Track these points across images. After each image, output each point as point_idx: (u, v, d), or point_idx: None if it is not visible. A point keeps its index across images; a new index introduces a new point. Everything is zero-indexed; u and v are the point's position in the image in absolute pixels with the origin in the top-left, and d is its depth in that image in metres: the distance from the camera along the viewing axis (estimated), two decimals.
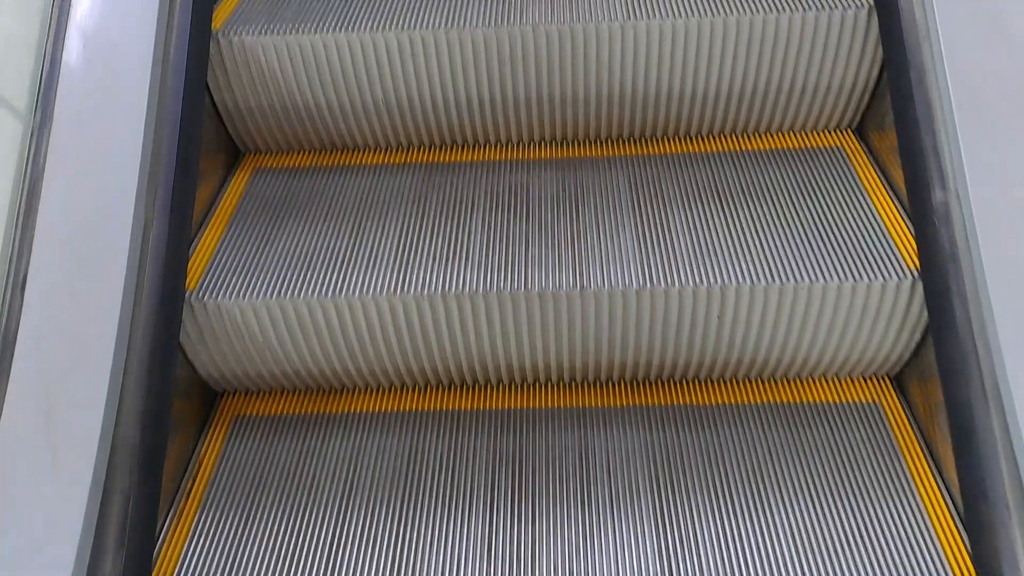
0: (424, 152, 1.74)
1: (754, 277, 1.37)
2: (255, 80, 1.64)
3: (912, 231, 1.40)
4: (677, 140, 1.72)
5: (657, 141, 1.72)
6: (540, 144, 1.73)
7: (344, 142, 1.74)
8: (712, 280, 1.37)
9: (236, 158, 1.76)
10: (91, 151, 1.38)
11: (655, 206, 1.53)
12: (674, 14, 1.57)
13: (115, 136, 1.37)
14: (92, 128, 1.39)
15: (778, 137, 1.71)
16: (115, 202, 1.32)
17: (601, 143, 1.73)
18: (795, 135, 1.71)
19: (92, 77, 1.43)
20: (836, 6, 1.55)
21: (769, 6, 1.56)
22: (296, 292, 1.39)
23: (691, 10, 1.57)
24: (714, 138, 1.72)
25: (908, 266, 1.36)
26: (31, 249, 1.30)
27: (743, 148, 1.69)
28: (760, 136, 1.72)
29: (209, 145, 1.65)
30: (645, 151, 1.69)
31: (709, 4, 1.59)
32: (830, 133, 1.71)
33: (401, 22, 1.60)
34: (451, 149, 1.74)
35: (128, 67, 1.42)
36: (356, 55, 1.61)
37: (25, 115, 1.37)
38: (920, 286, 1.34)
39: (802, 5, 1.55)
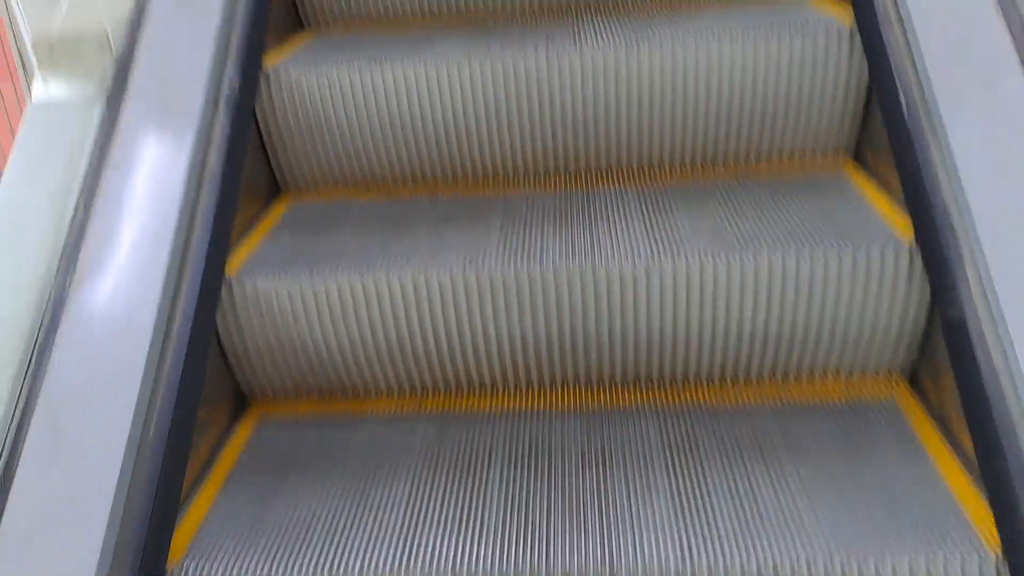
0: (439, 399, 1.63)
1: (811, 560, 1.19)
2: (267, 326, 1.58)
3: (987, 501, 1.23)
4: (711, 388, 1.59)
5: (690, 388, 1.59)
6: (563, 390, 1.62)
7: (356, 387, 1.65)
8: (762, 562, 1.19)
9: (242, 406, 1.66)
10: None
11: (691, 467, 1.38)
12: (701, 255, 1.49)
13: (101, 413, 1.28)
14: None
15: (822, 386, 1.58)
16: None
17: (629, 390, 1.60)
18: (841, 384, 1.58)
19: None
20: (874, 242, 1.47)
21: (801, 245, 1.48)
22: (288, 571, 1.24)
23: (719, 251, 1.50)
24: (752, 385, 1.59)
25: (988, 547, 1.18)
26: None
27: (784, 398, 1.55)
28: (802, 384, 1.59)
29: (213, 393, 1.56)
30: (677, 399, 1.56)
31: (738, 242, 1.51)
32: (879, 380, 1.57)
33: (416, 265, 1.55)
34: (467, 395, 1.63)
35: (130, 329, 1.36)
36: (371, 299, 1.55)
37: None
38: (1006, 570, 1.16)
39: (837, 245, 1.47)
